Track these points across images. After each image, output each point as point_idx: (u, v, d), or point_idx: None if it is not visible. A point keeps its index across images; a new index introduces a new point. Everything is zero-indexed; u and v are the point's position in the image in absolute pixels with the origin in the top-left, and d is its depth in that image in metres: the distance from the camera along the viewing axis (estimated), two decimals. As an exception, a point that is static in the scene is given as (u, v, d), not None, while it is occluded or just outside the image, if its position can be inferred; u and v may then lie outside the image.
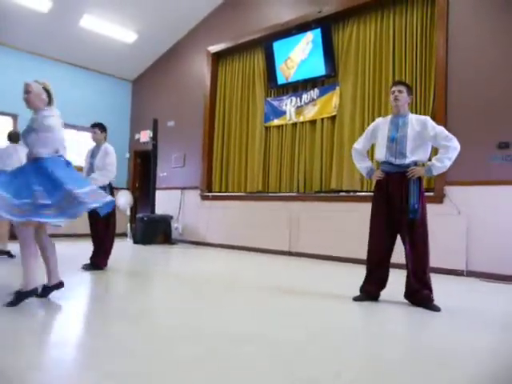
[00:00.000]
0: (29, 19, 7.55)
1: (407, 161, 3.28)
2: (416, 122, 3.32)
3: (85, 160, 4.87)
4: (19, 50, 8.25)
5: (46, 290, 3.22)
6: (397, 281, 3.44)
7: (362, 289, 3.45)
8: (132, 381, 1.78)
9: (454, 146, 3.25)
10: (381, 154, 3.41)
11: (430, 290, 3.24)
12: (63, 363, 2.00)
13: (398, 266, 3.60)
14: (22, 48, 8.25)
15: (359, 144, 3.64)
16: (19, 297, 2.97)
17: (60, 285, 3.27)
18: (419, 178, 3.31)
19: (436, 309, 3.14)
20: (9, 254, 5.27)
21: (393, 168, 3.33)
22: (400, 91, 3.36)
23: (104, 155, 4.65)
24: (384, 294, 3.46)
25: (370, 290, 3.42)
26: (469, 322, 2.96)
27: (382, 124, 3.49)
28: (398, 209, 3.28)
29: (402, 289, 3.37)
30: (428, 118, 3.37)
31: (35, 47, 8.35)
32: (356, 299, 3.39)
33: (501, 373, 2.06)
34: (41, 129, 3.05)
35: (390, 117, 3.48)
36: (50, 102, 3.21)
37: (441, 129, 3.31)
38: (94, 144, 4.86)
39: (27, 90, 3.12)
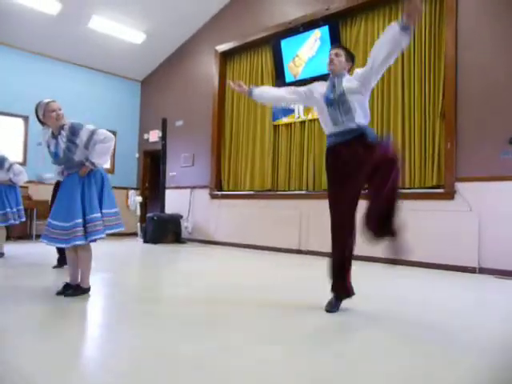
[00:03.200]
0: (39, 22, 7.62)
1: (354, 120, 2.87)
2: (350, 76, 2.98)
3: None
4: (29, 53, 8.34)
5: (67, 288, 3.34)
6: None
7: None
8: (133, 380, 1.80)
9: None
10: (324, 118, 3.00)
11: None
12: (73, 362, 2.03)
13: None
14: (32, 50, 8.34)
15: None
16: (77, 291, 3.28)
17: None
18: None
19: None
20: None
21: (340, 135, 2.91)
22: (337, 54, 2.98)
23: None
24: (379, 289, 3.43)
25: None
26: (472, 321, 2.94)
27: (317, 87, 3.08)
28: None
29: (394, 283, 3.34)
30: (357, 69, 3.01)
31: (45, 49, 8.44)
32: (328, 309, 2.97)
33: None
34: (95, 140, 3.22)
35: (325, 82, 3.07)
36: None
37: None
38: None
39: (59, 108, 3.24)
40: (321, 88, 3.04)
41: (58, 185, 4.69)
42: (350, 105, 2.87)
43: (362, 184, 2.92)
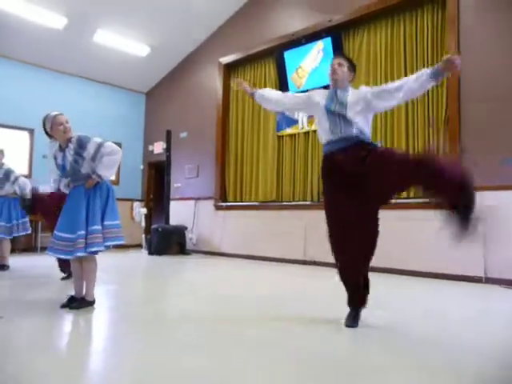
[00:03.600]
0: (45, 36, 7.73)
1: (353, 130, 2.77)
2: (354, 91, 2.89)
3: None
4: (35, 66, 8.43)
5: (72, 301, 3.32)
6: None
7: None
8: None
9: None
10: (323, 130, 2.93)
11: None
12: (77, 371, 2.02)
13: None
14: (38, 64, 8.44)
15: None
16: (82, 303, 3.27)
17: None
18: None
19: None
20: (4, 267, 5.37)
21: (337, 142, 2.82)
22: (340, 64, 2.90)
23: None
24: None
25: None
26: (477, 331, 2.90)
27: (318, 95, 3.01)
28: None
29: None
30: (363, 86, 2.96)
31: (51, 63, 8.54)
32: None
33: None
34: (102, 153, 3.24)
35: (327, 91, 3.01)
36: None
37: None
38: None
39: (67, 120, 3.26)
40: (321, 96, 2.97)
41: (53, 195, 4.69)
42: (351, 119, 2.77)
43: (366, 193, 2.71)
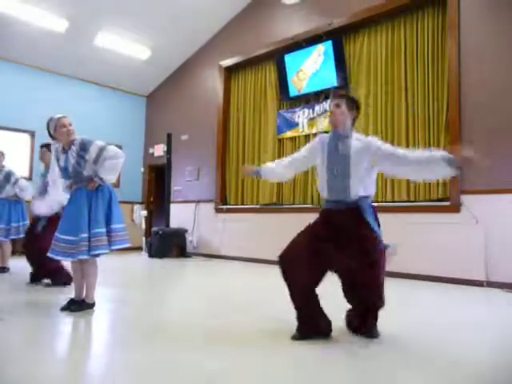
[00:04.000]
0: (46, 39, 7.75)
1: (352, 193, 2.60)
2: (359, 140, 2.65)
3: None
4: (37, 69, 8.45)
5: (72, 303, 3.32)
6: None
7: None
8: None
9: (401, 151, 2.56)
10: (322, 182, 2.76)
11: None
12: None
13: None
14: (39, 67, 8.45)
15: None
16: (82, 306, 3.27)
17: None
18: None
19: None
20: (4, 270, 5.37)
21: (335, 203, 2.69)
22: (338, 105, 2.67)
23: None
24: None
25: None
26: (477, 335, 2.89)
27: (319, 142, 2.80)
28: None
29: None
30: (373, 137, 2.70)
31: (52, 65, 8.56)
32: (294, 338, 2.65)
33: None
34: (105, 156, 3.23)
35: (328, 136, 2.79)
36: None
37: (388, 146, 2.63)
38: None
39: (70, 123, 3.28)
40: (323, 142, 2.76)
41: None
42: (351, 170, 2.58)
43: (340, 254, 2.67)
